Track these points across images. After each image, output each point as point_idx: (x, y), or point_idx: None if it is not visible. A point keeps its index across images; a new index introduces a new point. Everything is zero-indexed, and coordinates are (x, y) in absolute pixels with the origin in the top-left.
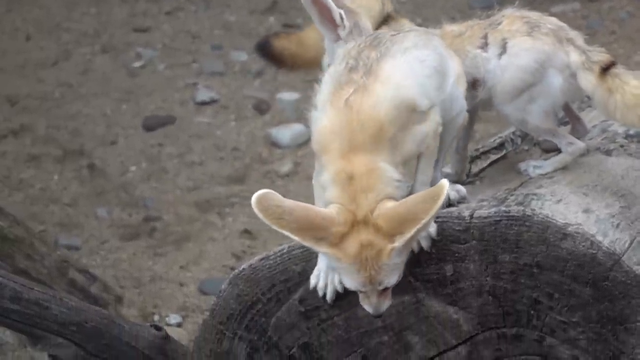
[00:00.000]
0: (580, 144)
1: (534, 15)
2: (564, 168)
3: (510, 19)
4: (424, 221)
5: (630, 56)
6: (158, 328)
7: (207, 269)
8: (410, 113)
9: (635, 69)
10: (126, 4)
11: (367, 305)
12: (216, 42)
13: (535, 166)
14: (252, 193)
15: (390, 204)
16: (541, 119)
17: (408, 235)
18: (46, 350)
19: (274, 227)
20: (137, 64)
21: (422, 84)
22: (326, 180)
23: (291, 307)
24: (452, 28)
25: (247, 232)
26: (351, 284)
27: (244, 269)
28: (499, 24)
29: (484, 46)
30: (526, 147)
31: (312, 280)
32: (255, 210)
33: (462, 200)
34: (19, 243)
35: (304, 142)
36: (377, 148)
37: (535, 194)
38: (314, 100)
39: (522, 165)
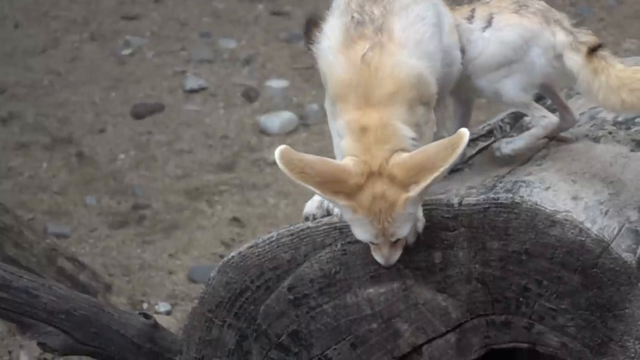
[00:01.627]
0: (553, 118)
1: None
2: (536, 143)
3: None
4: (442, 169)
5: (619, 43)
6: (147, 316)
7: (196, 257)
8: (425, 87)
9: (624, 56)
10: None
11: (379, 257)
12: (205, 30)
13: (507, 142)
14: (241, 181)
15: (405, 154)
16: (516, 92)
17: (424, 184)
18: (35, 338)
19: (297, 181)
20: (125, 52)
21: (429, 54)
22: (341, 128)
23: (280, 295)
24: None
25: (236, 219)
26: (364, 236)
27: (233, 256)
28: (489, 0)
29: (470, 18)
30: (515, 134)
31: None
32: (280, 164)
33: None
34: (7, 231)
35: (293, 129)
36: (393, 106)
37: (523, 181)
38: (318, 36)
39: (495, 145)
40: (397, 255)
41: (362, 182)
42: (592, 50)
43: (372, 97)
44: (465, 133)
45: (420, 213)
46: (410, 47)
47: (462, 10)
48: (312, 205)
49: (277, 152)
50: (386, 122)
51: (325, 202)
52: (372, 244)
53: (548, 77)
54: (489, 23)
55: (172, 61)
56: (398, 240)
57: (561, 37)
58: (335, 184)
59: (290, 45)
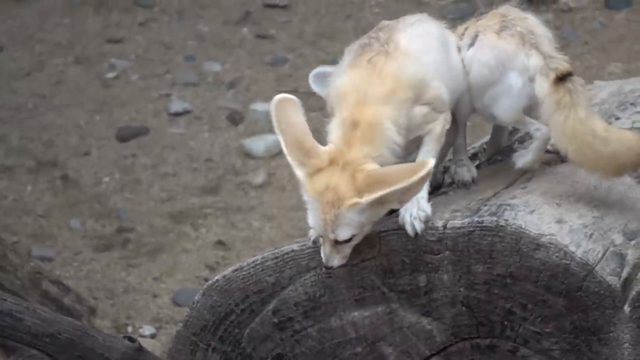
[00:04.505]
0: (545, 128)
1: (516, 15)
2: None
3: (492, 15)
4: (394, 187)
5: (604, 67)
6: (131, 339)
7: (180, 280)
8: (428, 90)
9: (609, 80)
10: (99, 15)
11: (322, 254)
12: (189, 53)
13: (518, 156)
14: (226, 204)
15: (374, 165)
16: (506, 115)
17: (374, 195)
18: None
19: (275, 129)
20: (110, 75)
21: (435, 61)
22: (333, 124)
23: (265, 319)
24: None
25: (220, 243)
26: (311, 221)
27: (217, 280)
28: (482, 18)
29: (461, 36)
30: (499, 158)
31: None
32: (272, 106)
33: (473, 180)
34: None
35: (278, 152)
36: (389, 106)
37: (508, 205)
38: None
39: (513, 158)
40: (337, 259)
41: (323, 167)
42: (560, 79)
43: (370, 92)
44: (427, 164)
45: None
46: (415, 56)
47: (459, 28)
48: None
49: (278, 97)
50: (377, 121)
51: None
52: (320, 237)
53: (529, 98)
54: (472, 42)
55: (157, 84)
56: (341, 243)
57: (535, 60)
58: (301, 155)
59: (275, 68)
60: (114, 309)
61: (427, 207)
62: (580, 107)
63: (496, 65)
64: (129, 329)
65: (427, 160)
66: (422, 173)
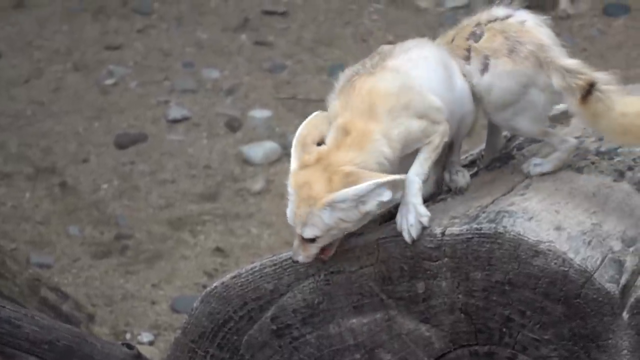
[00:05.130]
0: (572, 141)
1: (514, 28)
2: (562, 166)
3: (491, 33)
4: (347, 191)
5: None
6: (130, 346)
7: (179, 287)
8: (413, 99)
9: None
10: (98, 22)
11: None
12: (188, 60)
13: (535, 164)
14: (224, 211)
15: (354, 169)
16: (530, 127)
17: (332, 197)
18: None
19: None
20: (109, 82)
21: (429, 78)
22: (329, 133)
23: (263, 325)
24: (449, 32)
25: (219, 249)
26: (287, 212)
27: (216, 286)
28: (480, 36)
29: (467, 59)
30: (498, 165)
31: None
32: (313, 115)
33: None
34: None
35: (276, 159)
36: (374, 118)
37: (507, 212)
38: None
39: (525, 166)
40: (303, 255)
41: (310, 164)
42: (587, 93)
43: (356, 112)
44: (387, 177)
45: (421, 208)
46: (399, 71)
47: (459, 47)
48: None
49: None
50: (367, 131)
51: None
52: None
53: (552, 110)
54: (485, 67)
55: (155, 91)
56: (308, 242)
57: (557, 80)
58: (301, 150)
59: (273, 75)
60: (112, 316)
61: (424, 212)
62: (616, 104)
63: (518, 89)
64: (128, 335)
65: (387, 176)
66: (376, 182)
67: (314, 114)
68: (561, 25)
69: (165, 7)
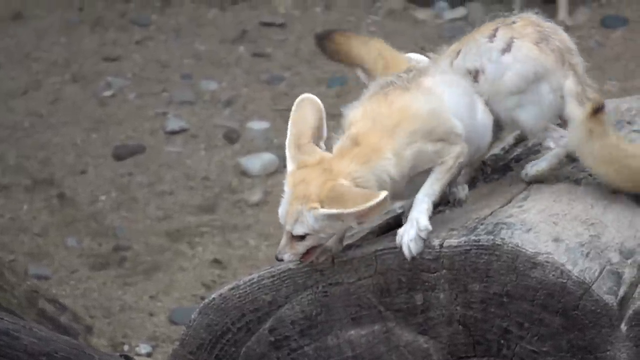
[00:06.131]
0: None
1: (549, 26)
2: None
3: (525, 22)
4: (345, 210)
5: (600, 85)
6: (128, 358)
7: (177, 299)
8: (438, 125)
9: (605, 98)
10: (96, 34)
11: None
12: (186, 72)
13: (532, 165)
14: (222, 222)
15: (348, 184)
16: (532, 122)
17: (328, 211)
18: None
19: (290, 121)
20: (107, 93)
21: (457, 103)
22: (339, 140)
23: (261, 337)
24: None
25: (217, 261)
26: (279, 209)
27: (214, 298)
28: (513, 22)
29: (492, 37)
30: (496, 177)
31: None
32: (296, 102)
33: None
34: None
35: (274, 171)
36: (392, 136)
37: (505, 223)
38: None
39: (523, 172)
40: (287, 254)
41: (309, 164)
42: (596, 111)
43: (378, 123)
44: (380, 195)
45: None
46: (433, 93)
47: (484, 28)
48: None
49: (303, 95)
50: (378, 147)
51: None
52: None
53: (556, 112)
54: (508, 47)
55: (154, 103)
56: (296, 240)
57: (571, 83)
58: (297, 151)
59: (271, 86)
60: (110, 328)
61: (424, 225)
62: (611, 133)
63: (533, 78)
64: (126, 347)
65: (380, 192)
66: (372, 203)
67: (297, 102)
68: None
69: (163, 19)
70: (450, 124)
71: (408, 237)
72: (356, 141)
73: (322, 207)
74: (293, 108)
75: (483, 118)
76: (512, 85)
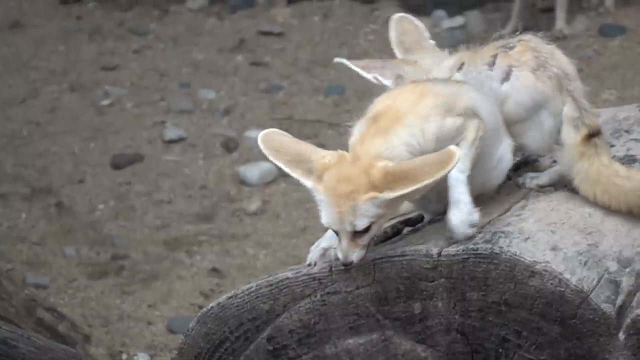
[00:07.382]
0: None
1: (546, 50)
2: (559, 180)
3: (523, 47)
4: (419, 184)
5: (598, 94)
6: None
7: (175, 308)
8: (461, 101)
9: (603, 107)
10: (94, 43)
11: (338, 252)
12: (184, 81)
13: (532, 177)
14: (221, 231)
15: (390, 163)
16: (538, 146)
17: (397, 193)
18: None
19: (271, 158)
20: (105, 102)
21: (484, 101)
22: (357, 124)
23: (259, 346)
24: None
25: (215, 270)
26: (325, 219)
27: (212, 307)
28: (512, 48)
29: (491, 65)
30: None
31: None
32: (259, 142)
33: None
34: None
35: (272, 179)
36: (415, 108)
37: (503, 232)
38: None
39: (520, 179)
40: (356, 253)
41: (331, 165)
42: (591, 136)
43: (400, 100)
44: (454, 151)
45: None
46: (461, 86)
47: (483, 53)
48: (314, 254)
49: (262, 133)
50: (400, 117)
51: (331, 251)
52: (336, 234)
53: (558, 134)
54: (507, 76)
55: (152, 112)
56: (359, 235)
57: (569, 110)
58: (305, 164)
59: (269, 95)
60: (108, 337)
61: (475, 214)
62: (603, 155)
63: (532, 106)
64: (124, 356)
65: (452, 149)
66: (452, 163)
67: (260, 137)
68: (557, 45)
69: (161, 28)
70: (470, 102)
71: (458, 219)
72: (375, 119)
73: (383, 192)
74: (262, 148)
75: (504, 150)
76: (512, 113)
